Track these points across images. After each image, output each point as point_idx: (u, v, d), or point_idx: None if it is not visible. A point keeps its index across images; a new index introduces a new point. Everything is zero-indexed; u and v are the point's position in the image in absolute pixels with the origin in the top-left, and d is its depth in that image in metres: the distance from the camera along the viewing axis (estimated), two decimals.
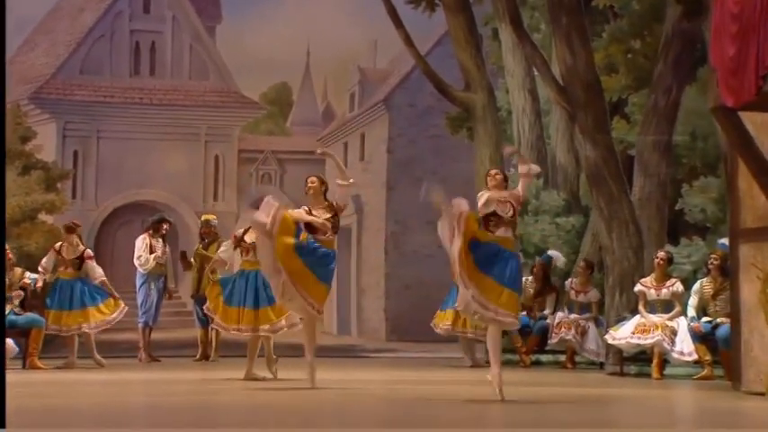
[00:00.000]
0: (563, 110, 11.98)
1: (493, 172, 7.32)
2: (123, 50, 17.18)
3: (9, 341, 10.59)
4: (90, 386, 8.24)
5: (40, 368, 10.20)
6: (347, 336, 16.26)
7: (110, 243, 16.02)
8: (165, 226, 11.63)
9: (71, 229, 10.81)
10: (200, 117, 16.99)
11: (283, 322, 8.56)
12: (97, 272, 10.65)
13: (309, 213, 7.75)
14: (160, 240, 11.59)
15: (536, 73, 13.10)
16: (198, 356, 11.85)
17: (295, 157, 17.27)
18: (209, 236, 11.80)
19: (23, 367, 10.32)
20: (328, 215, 7.80)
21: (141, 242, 11.52)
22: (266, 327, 8.58)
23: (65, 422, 5.49)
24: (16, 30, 16.71)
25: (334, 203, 7.92)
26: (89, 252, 10.82)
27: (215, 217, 12.03)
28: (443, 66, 13.95)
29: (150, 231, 11.53)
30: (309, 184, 7.96)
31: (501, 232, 7.02)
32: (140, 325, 11.64)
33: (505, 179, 7.31)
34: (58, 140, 16.51)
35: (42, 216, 15.10)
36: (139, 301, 11.58)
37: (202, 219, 12.12)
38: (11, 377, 9.44)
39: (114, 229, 16.22)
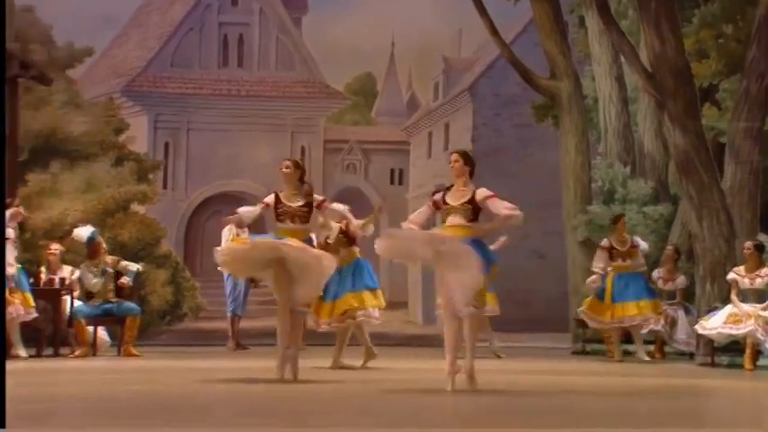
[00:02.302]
0: (651, 97, 11.78)
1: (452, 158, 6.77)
2: (212, 43, 17.46)
3: (102, 333, 10.89)
4: (177, 373, 8.42)
5: (134, 356, 10.43)
6: (432, 325, 16.29)
7: (199, 233, 16.33)
8: None
9: None
10: (287, 108, 17.17)
11: (361, 312, 8.63)
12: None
13: (277, 198, 7.30)
14: (246, 230, 11.77)
15: (623, 60, 12.90)
16: None
17: (380, 147, 17.33)
18: None
19: (118, 354, 10.59)
20: (300, 203, 7.36)
21: (228, 233, 11.69)
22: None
23: (136, 409, 5.64)
24: (109, 24, 17.13)
25: (314, 195, 7.42)
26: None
27: None
28: (528, 54, 13.83)
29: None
30: (284, 169, 7.38)
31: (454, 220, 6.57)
32: (229, 314, 11.85)
33: (468, 164, 6.69)
34: (149, 132, 16.87)
35: (135, 206, 15.46)
36: (227, 290, 11.78)
37: None
38: (101, 364, 9.75)
39: (204, 220, 16.52)
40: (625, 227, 11.06)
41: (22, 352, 9.90)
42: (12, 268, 9.70)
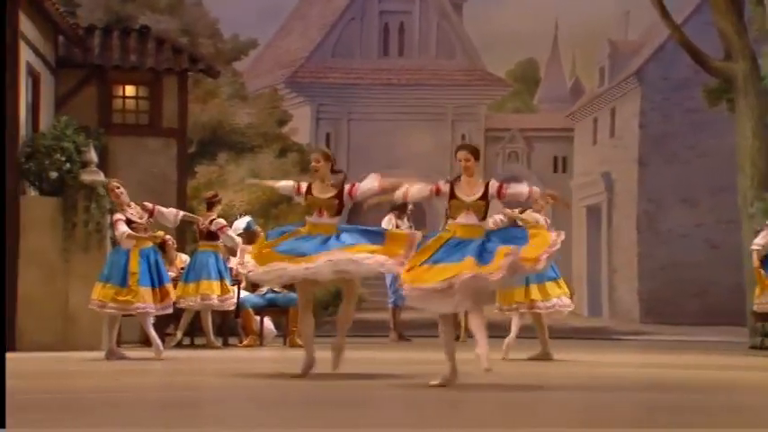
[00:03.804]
0: None
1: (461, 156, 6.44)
2: (373, 32, 17.52)
3: (268, 323, 11.08)
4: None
5: (299, 346, 10.51)
6: (598, 317, 15.88)
7: (360, 224, 16.43)
8: (409, 206, 11.74)
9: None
10: (447, 96, 17.05)
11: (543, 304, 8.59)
12: None
13: (308, 191, 7.12)
14: (405, 220, 11.72)
15: None
16: None
17: (542, 134, 17.00)
18: None
19: (284, 344, 10.75)
20: (330, 194, 7.07)
21: (387, 223, 11.66)
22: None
23: (296, 401, 5.63)
24: (273, 15, 17.45)
25: (344, 184, 7.09)
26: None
27: None
28: (701, 35, 13.26)
29: (396, 212, 11.68)
30: (314, 163, 7.13)
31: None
32: (390, 305, 11.85)
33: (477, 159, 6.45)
34: (311, 123, 17.10)
35: (298, 198, 15.68)
36: (388, 281, 11.77)
37: None
38: (269, 354, 9.89)
39: (365, 210, 16.60)
40: None
41: (218, 342, 10.21)
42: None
